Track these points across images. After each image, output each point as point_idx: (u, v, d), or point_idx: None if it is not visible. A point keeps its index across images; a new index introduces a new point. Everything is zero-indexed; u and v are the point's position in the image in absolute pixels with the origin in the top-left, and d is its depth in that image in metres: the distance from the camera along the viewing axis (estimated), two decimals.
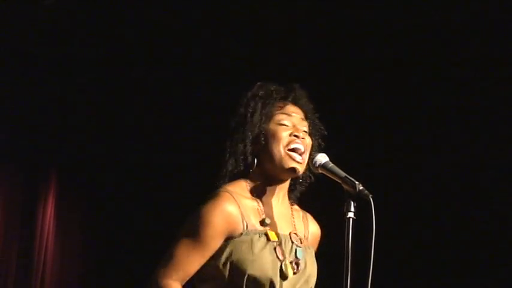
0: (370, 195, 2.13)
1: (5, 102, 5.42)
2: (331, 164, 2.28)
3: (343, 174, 2.22)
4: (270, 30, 4.95)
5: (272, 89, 2.40)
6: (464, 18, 4.42)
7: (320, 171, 2.29)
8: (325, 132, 2.44)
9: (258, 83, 2.43)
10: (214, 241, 2.23)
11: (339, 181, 2.21)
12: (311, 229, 2.47)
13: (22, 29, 5.18)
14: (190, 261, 2.22)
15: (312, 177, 2.42)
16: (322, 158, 2.30)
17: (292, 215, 2.43)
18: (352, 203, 2.15)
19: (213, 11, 4.99)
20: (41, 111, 5.63)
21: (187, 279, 2.25)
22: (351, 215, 2.14)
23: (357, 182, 2.16)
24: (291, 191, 2.43)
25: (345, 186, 2.18)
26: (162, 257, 2.26)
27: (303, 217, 2.47)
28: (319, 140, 2.43)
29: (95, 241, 5.89)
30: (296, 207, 2.47)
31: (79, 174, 5.87)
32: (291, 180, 2.41)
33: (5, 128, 5.47)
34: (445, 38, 4.57)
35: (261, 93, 2.38)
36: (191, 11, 5.05)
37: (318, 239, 2.51)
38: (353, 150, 4.48)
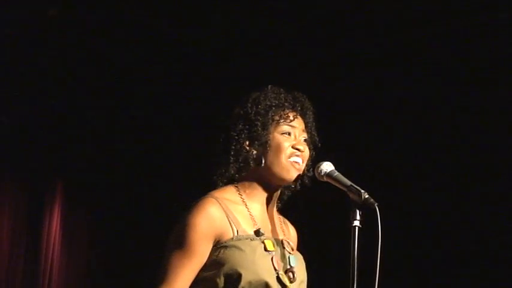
0: (376, 204, 2.12)
1: (11, 112, 5.43)
2: (336, 173, 2.27)
3: (348, 182, 2.21)
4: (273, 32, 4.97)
5: (283, 96, 2.38)
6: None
7: (325, 179, 2.28)
8: (319, 145, 2.44)
9: (270, 86, 2.40)
10: (201, 246, 2.20)
11: (344, 189, 2.20)
12: (292, 233, 2.47)
13: (26, 39, 5.19)
14: (181, 272, 2.18)
15: (298, 186, 2.41)
16: (327, 166, 2.29)
17: (280, 221, 2.43)
18: (357, 211, 2.14)
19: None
20: (46, 121, 5.64)
21: None
22: (356, 223, 2.13)
23: (362, 191, 2.15)
24: (279, 196, 2.42)
25: (351, 195, 2.17)
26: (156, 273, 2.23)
27: (283, 222, 2.47)
28: (313, 152, 2.42)
29: (101, 249, 5.89)
30: (277, 212, 2.46)
31: (84, 182, 5.87)
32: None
33: (12, 138, 5.48)
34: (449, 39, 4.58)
35: (273, 101, 2.36)
36: (192, 17, 5.07)
37: (296, 241, 2.50)
38: (357, 158, 4.48)
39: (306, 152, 2.36)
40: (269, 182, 2.34)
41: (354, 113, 4.85)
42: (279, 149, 2.32)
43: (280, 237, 2.35)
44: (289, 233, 2.45)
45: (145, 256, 5.42)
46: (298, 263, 2.32)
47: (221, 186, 2.35)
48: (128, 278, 5.60)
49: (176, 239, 2.22)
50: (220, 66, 5.18)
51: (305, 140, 2.38)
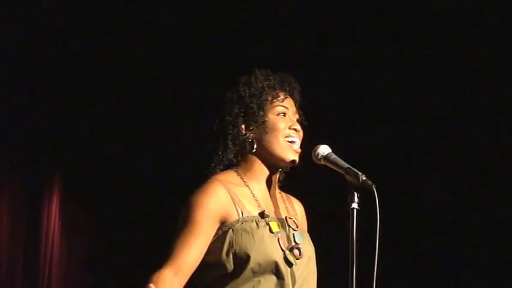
0: (374, 186, 2.13)
1: (8, 106, 5.42)
2: (333, 156, 2.27)
3: (345, 165, 2.22)
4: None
5: (272, 77, 2.42)
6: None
7: (323, 162, 2.29)
8: (306, 123, 2.46)
9: (257, 69, 2.43)
10: (207, 225, 2.23)
11: (341, 172, 2.21)
12: (297, 209, 2.50)
13: (21, 32, 5.17)
14: (187, 249, 2.21)
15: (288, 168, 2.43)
16: (324, 149, 2.30)
17: (283, 199, 2.45)
18: (355, 193, 2.14)
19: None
20: (44, 114, 5.63)
21: (188, 271, 2.23)
22: (355, 205, 2.13)
23: (360, 173, 2.16)
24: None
25: (348, 177, 2.18)
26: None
27: (287, 199, 2.49)
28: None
29: (100, 241, 5.89)
30: (279, 190, 2.48)
31: (82, 175, 5.87)
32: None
33: (9, 132, 5.47)
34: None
35: (264, 82, 2.40)
36: (188, 10, 5.06)
37: (305, 216, 2.53)
38: (357, 143, 4.47)
39: (301, 132, 2.40)
40: (268, 163, 2.37)
41: (353, 99, 4.84)
42: (275, 129, 2.35)
43: (283, 215, 2.37)
44: (294, 210, 2.47)
45: (144, 247, 5.42)
46: (303, 238, 2.35)
47: (220, 171, 2.37)
48: (128, 270, 5.60)
49: (183, 218, 2.26)
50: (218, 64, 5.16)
51: (297, 120, 2.41)
